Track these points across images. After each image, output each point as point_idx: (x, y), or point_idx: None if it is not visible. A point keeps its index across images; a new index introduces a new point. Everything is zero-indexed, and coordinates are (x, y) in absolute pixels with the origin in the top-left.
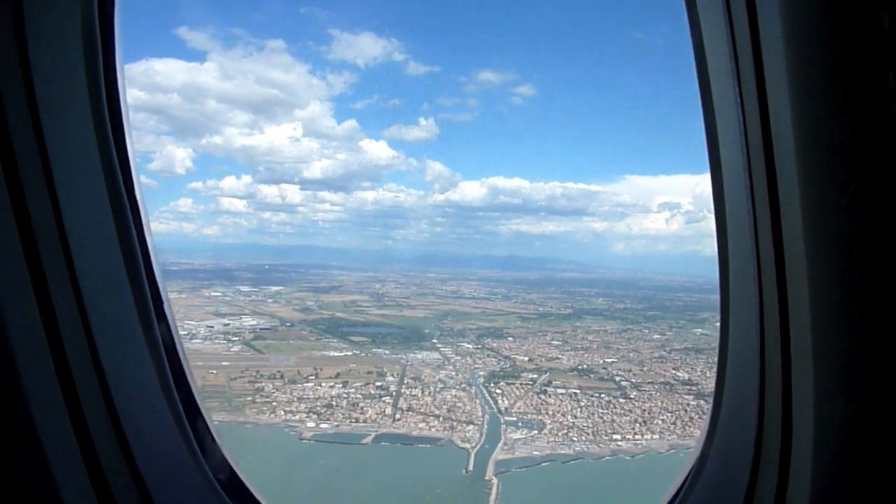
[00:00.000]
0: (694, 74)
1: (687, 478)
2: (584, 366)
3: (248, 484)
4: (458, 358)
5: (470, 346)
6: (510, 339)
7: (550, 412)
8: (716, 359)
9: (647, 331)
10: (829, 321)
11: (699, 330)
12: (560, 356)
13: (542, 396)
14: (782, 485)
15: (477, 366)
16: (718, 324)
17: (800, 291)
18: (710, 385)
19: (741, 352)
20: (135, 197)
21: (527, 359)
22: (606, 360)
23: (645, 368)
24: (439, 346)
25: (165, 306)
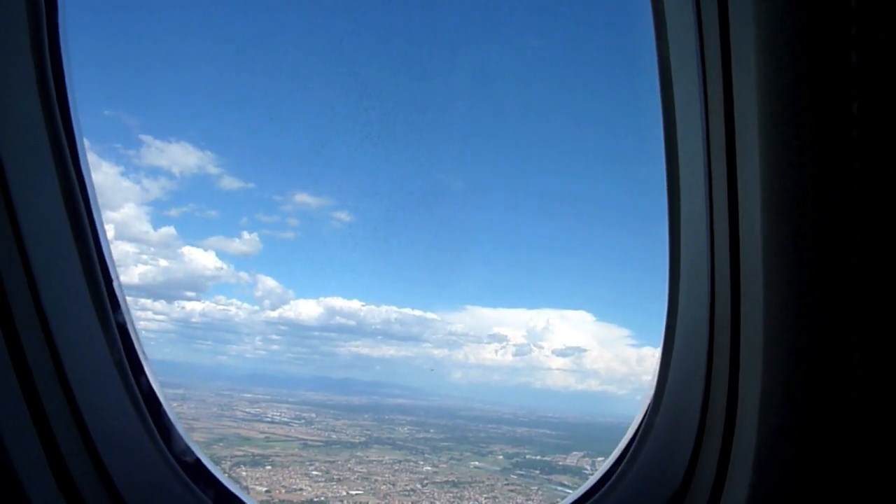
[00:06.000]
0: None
1: (629, 447)
2: (322, 498)
3: (211, 467)
4: None
5: None
6: (269, 467)
7: None
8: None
9: (422, 462)
10: (782, 290)
11: (476, 463)
12: (306, 487)
13: None
14: (724, 458)
15: None
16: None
17: (753, 260)
18: None
19: (689, 323)
20: (81, 172)
21: (265, 489)
22: (353, 492)
23: (383, 502)
24: None
25: (116, 284)
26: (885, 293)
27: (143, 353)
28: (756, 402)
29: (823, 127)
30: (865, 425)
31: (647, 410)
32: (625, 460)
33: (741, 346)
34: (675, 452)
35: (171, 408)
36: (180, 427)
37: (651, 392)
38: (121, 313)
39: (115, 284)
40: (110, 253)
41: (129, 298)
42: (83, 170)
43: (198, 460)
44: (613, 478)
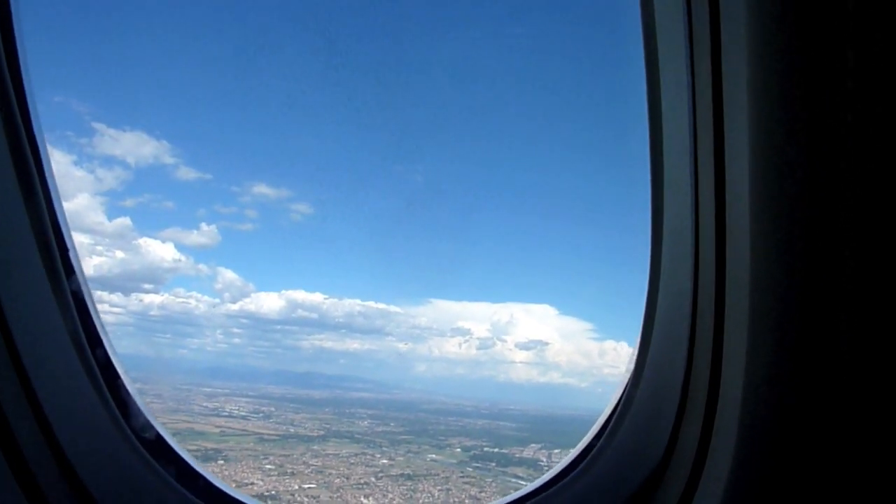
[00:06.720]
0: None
1: (608, 421)
2: (273, 492)
3: (172, 443)
4: None
5: None
6: (221, 462)
7: None
8: (643, 312)
9: (379, 455)
10: (767, 265)
11: (433, 456)
12: (259, 481)
13: None
14: (706, 432)
15: None
16: (647, 279)
17: (739, 235)
18: None
19: (672, 294)
20: (32, 129)
21: None
22: (305, 485)
23: (335, 495)
24: None
25: (72, 254)
26: (872, 279)
27: (101, 322)
28: (740, 377)
29: (813, 118)
30: (849, 400)
31: (626, 384)
32: (604, 435)
33: (725, 318)
34: (655, 427)
35: (131, 381)
36: (140, 401)
37: (631, 365)
38: (76, 281)
39: (70, 254)
40: (66, 220)
41: None
42: (34, 128)
43: (158, 435)
44: (593, 453)
